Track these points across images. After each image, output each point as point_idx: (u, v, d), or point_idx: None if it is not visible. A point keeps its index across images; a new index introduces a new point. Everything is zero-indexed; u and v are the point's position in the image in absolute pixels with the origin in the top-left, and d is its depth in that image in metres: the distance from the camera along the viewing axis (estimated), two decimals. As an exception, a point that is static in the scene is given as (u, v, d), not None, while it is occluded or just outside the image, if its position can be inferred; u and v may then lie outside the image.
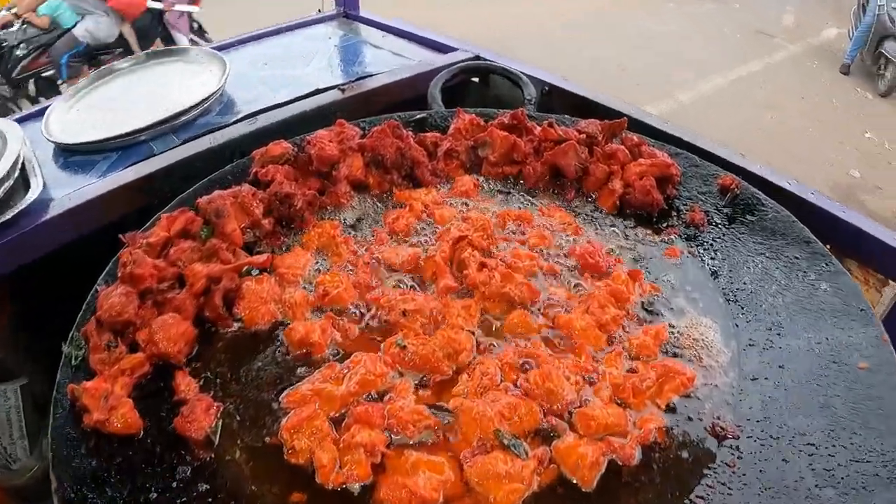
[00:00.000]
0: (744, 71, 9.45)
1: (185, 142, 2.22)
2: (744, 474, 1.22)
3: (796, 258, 1.65)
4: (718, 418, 1.32)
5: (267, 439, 1.29)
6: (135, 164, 2.13)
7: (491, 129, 2.00)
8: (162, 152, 2.18)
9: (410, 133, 2.02)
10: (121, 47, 7.49)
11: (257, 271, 1.63)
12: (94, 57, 7.37)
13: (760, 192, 1.83)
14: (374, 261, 1.68)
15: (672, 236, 1.79)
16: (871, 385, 1.34)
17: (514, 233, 1.78)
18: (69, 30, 7.18)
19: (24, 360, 2.02)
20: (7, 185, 1.87)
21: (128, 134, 2.23)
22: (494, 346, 1.46)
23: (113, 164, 2.17)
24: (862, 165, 7.44)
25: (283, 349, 1.47)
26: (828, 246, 1.66)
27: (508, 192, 1.96)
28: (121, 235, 1.62)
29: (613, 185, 1.88)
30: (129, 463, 1.24)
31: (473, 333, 1.48)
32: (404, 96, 2.55)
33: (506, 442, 1.23)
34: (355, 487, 1.19)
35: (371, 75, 2.63)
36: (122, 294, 1.46)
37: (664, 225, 1.83)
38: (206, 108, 2.41)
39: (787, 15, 11.25)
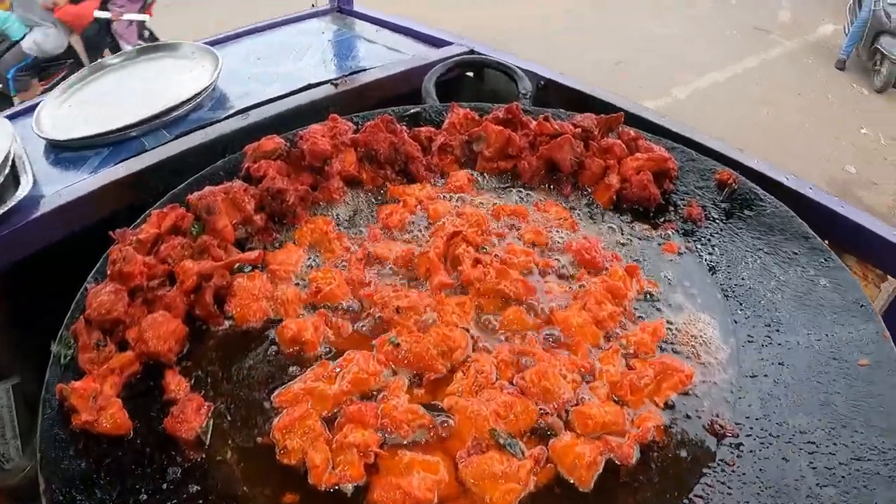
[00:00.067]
0: (740, 67, 9.44)
1: (176, 137, 2.20)
2: (743, 473, 1.20)
3: (795, 253, 1.63)
4: (717, 416, 1.30)
5: (259, 439, 1.27)
6: (126, 160, 2.11)
7: (486, 124, 1.99)
8: (153, 148, 2.16)
9: (404, 128, 2.00)
10: (70, 59, 7.35)
11: (249, 268, 1.61)
12: (42, 69, 7.23)
13: (758, 187, 1.81)
14: (367, 257, 1.66)
15: (669, 231, 1.77)
16: (872, 382, 1.32)
17: (509, 228, 1.76)
18: (17, 42, 7.01)
19: (15, 359, 2.00)
20: (-3, 181, 1.85)
21: (119, 130, 2.21)
22: (489, 343, 1.44)
23: (104, 160, 2.15)
24: (857, 161, 7.44)
25: (275, 347, 1.45)
26: (826, 241, 1.65)
27: (503, 187, 1.95)
28: (110, 232, 1.60)
29: (610, 180, 1.86)
30: (119, 464, 1.23)
31: (468, 331, 1.46)
32: (398, 91, 2.53)
33: (501, 441, 1.21)
34: (348, 488, 1.18)
35: (364, 70, 2.60)
36: (111, 292, 1.44)
37: (661, 220, 1.82)
38: (198, 104, 2.38)
39: (783, 11, 11.24)
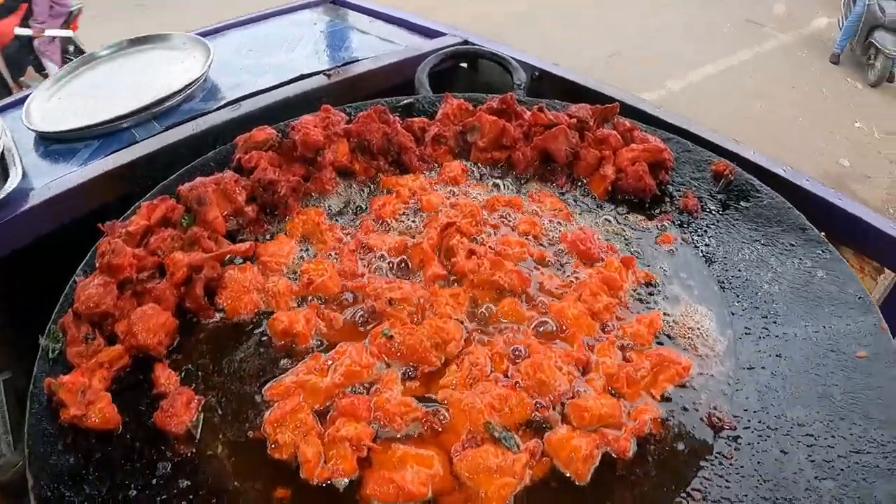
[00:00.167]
0: (734, 60, 9.44)
1: (167, 129, 2.18)
2: (741, 466, 1.19)
3: (792, 245, 1.62)
4: (715, 409, 1.29)
5: (250, 433, 1.26)
6: (116, 151, 2.09)
7: (480, 114, 1.97)
8: (144, 139, 2.14)
9: (397, 118, 1.99)
10: None
11: (240, 260, 1.60)
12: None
13: (755, 179, 1.80)
14: (359, 248, 1.64)
15: (665, 223, 1.76)
16: (870, 374, 1.32)
17: (503, 219, 1.74)
18: None
19: (6, 354, 1.98)
20: (-15, 174, 1.83)
21: (109, 121, 2.20)
22: (484, 335, 1.43)
23: (94, 151, 2.14)
24: (851, 155, 7.45)
25: (267, 340, 1.43)
26: (823, 233, 1.64)
27: (497, 178, 1.93)
28: (99, 224, 1.59)
29: (605, 171, 1.85)
30: (108, 459, 1.21)
31: (462, 323, 1.44)
32: (391, 82, 2.52)
33: (496, 434, 1.20)
34: (341, 482, 1.16)
35: (357, 60, 2.58)
36: (99, 285, 1.43)
37: (657, 211, 1.81)
38: (189, 95, 2.37)
39: (777, 4, 11.23)
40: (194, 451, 1.23)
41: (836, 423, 1.24)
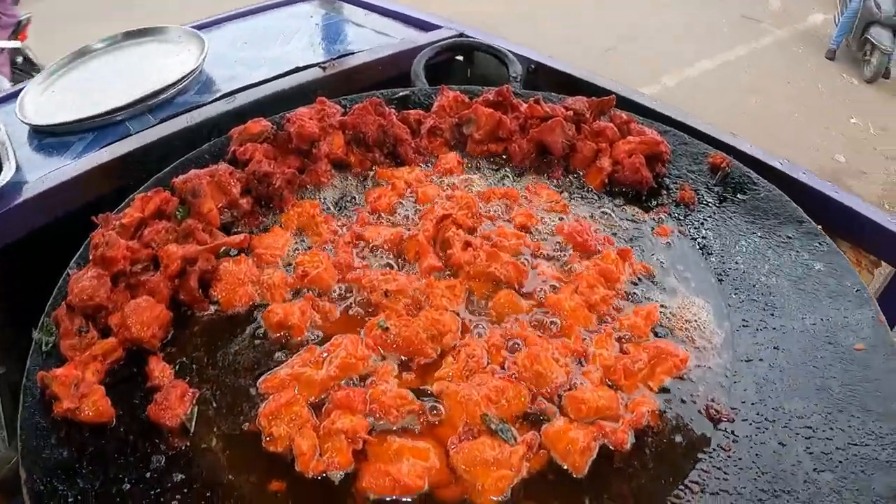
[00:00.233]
0: (730, 56, 9.43)
1: (162, 121, 2.17)
2: (740, 458, 1.19)
3: (789, 238, 1.62)
4: (713, 401, 1.29)
5: (244, 426, 1.25)
6: (110, 144, 2.08)
7: (476, 106, 1.96)
8: (138, 132, 2.13)
9: (393, 110, 1.98)
10: None
11: (235, 252, 1.59)
12: None
13: (752, 171, 1.80)
14: (355, 240, 1.63)
15: (662, 215, 1.75)
16: (868, 366, 1.31)
17: (499, 211, 1.73)
18: None
19: (1, 349, 1.96)
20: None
21: (104, 114, 2.18)
22: (480, 327, 1.42)
23: (88, 145, 2.12)
24: (847, 150, 7.45)
25: (261, 332, 1.42)
26: (819, 227, 1.64)
27: (494, 170, 1.93)
28: (93, 217, 1.58)
29: (602, 163, 1.84)
30: (102, 453, 1.21)
31: (458, 314, 1.44)
32: (387, 74, 2.50)
33: (493, 427, 1.19)
34: (336, 475, 1.16)
35: (353, 53, 2.57)
36: (93, 277, 1.42)
37: (654, 203, 1.80)
38: (184, 88, 2.35)
39: (773, 0, 11.24)
40: (188, 444, 1.23)
41: (834, 415, 1.24)
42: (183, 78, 2.34)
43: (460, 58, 2.77)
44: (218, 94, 2.31)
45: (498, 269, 1.49)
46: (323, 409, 1.25)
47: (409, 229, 1.65)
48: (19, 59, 7.06)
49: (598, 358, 1.34)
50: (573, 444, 1.17)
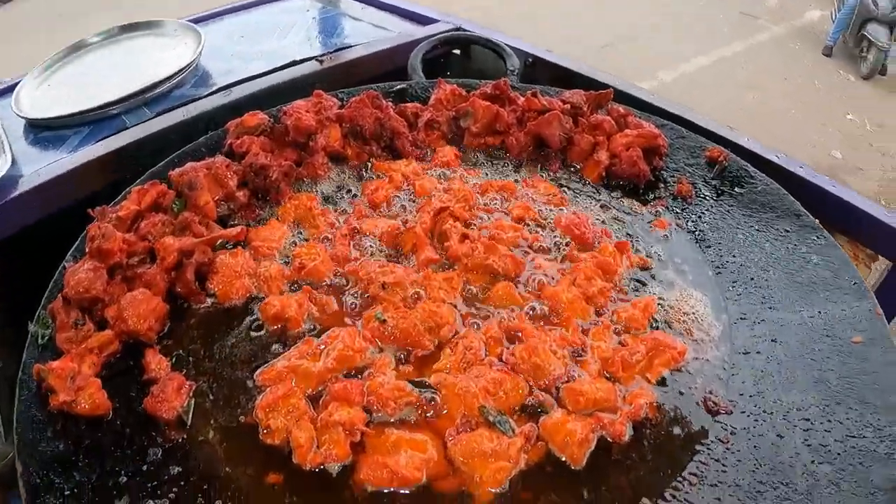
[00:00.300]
0: (727, 52, 9.44)
1: (158, 115, 2.16)
2: (738, 450, 1.18)
3: (787, 231, 1.62)
4: (711, 393, 1.28)
5: (241, 419, 1.24)
6: (106, 138, 2.07)
7: (473, 99, 1.96)
8: (134, 125, 2.12)
9: (390, 103, 1.98)
10: None
11: (231, 245, 1.58)
12: None
13: (749, 165, 1.80)
14: (352, 233, 1.63)
15: (659, 208, 1.75)
16: (866, 359, 1.31)
17: (497, 204, 1.73)
18: None
19: (-2, 344, 1.96)
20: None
21: (99, 107, 2.17)
22: (478, 319, 1.42)
23: (84, 138, 2.11)
24: (844, 147, 7.46)
25: (258, 325, 1.42)
26: (816, 220, 1.64)
27: (491, 163, 1.92)
28: (89, 209, 1.57)
29: (599, 156, 1.84)
30: (98, 445, 1.20)
31: (456, 307, 1.43)
32: (384, 68, 2.50)
33: (491, 419, 1.19)
34: (334, 468, 1.15)
35: (350, 47, 2.57)
36: (89, 269, 1.41)
37: (651, 197, 1.80)
38: (180, 81, 2.35)
39: (770, -4, 11.26)
40: (185, 436, 1.22)
41: (832, 407, 1.24)
42: (179, 71, 2.33)
43: (457, 52, 2.77)
44: (214, 88, 2.30)
45: (495, 262, 1.49)
46: (320, 402, 1.24)
47: (406, 222, 1.64)
48: None
49: (595, 350, 1.34)
50: (571, 435, 1.17)
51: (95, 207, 1.58)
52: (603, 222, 1.70)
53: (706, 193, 1.77)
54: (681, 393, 1.29)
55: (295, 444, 1.17)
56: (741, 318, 1.45)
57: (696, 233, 1.67)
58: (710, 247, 1.63)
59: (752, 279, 1.53)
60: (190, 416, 1.25)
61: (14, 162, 1.95)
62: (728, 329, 1.43)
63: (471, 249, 1.51)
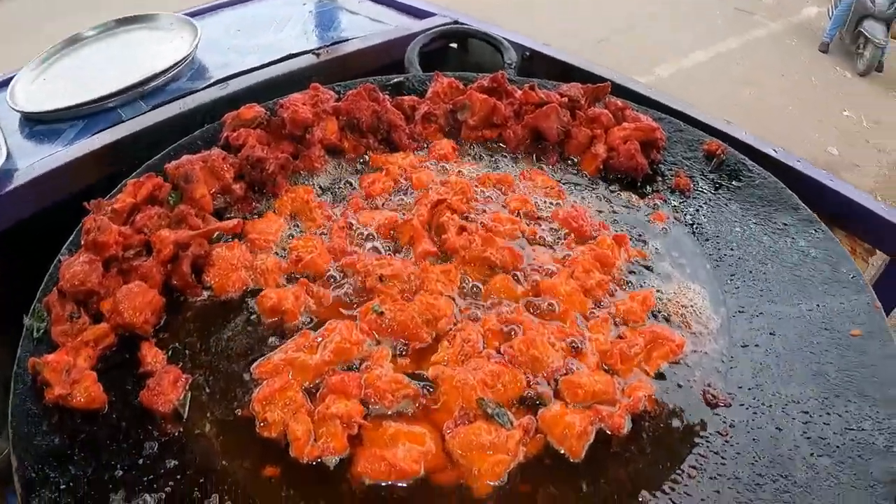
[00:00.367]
0: (723, 47, 9.43)
1: (154, 108, 2.16)
2: (737, 443, 1.18)
3: (785, 224, 1.62)
4: (709, 386, 1.28)
5: (238, 412, 1.24)
6: (102, 131, 2.06)
7: (470, 92, 1.96)
8: (130, 119, 2.11)
9: (387, 97, 1.97)
10: None
11: (228, 237, 1.58)
12: None
13: (747, 159, 1.80)
14: (349, 225, 1.62)
15: (657, 201, 1.75)
16: (864, 352, 1.31)
17: (494, 197, 1.73)
18: None
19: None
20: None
21: (95, 101, 2.16)
22: (476, 311, 1.41)
23: (80, 132, 2.10)
24: (840, 143, 7.47)
25: (255, 317, 1.41)
26: (814, 214, 1.64)
27: (488, 156, 1.92)
28: (85, 202, 1.56)
29: (597, 149, 1.84)
30: (94, 439, 1.19)
31: (453, 299, 1.43)
32: (381, 62, 2.49)
33: (489, 411, 1.19)
34: (331, 461, 1.15)
35: (346, 40, 2.56)
36: (85, 262, 1.40)
37: (649, 190, 1.80)
38: (177, 74, 2.34)
39: (767, -8, 11.26)
40: (182, 430, 1.21)
41: (830, 400, 1.23)
42: (175, 65, 2.32)
43: (455, 45, 2.76)
44: (211, 81, 2.30)
45: (493, 254, 1.49)
46: (317, 394, 1.24)
47: (403, 214, 1.64)
48: None
49: (594, 342, 1.34)
50: (570, 428, 1.17)
51: (91, 200, 1.57)
52: (601, 215, 1.70)
53: (704, 187, 1.77)
54: (679, 386, 1.29)
55: (292, 437, 1.16)
56: (739, 311, 1.44)
57: (695, 226, 1.67)
58: (708, 240, 1.63)
59: (750, 272, 1.53)
60: (186, 409, 1.24)
61: (9, 155, 1.94)
62: (726, 322, 1.42)
63: (468, 242, 1.51)
